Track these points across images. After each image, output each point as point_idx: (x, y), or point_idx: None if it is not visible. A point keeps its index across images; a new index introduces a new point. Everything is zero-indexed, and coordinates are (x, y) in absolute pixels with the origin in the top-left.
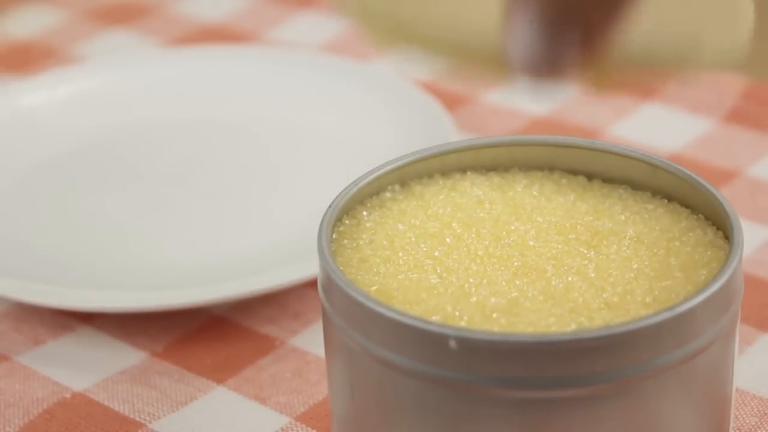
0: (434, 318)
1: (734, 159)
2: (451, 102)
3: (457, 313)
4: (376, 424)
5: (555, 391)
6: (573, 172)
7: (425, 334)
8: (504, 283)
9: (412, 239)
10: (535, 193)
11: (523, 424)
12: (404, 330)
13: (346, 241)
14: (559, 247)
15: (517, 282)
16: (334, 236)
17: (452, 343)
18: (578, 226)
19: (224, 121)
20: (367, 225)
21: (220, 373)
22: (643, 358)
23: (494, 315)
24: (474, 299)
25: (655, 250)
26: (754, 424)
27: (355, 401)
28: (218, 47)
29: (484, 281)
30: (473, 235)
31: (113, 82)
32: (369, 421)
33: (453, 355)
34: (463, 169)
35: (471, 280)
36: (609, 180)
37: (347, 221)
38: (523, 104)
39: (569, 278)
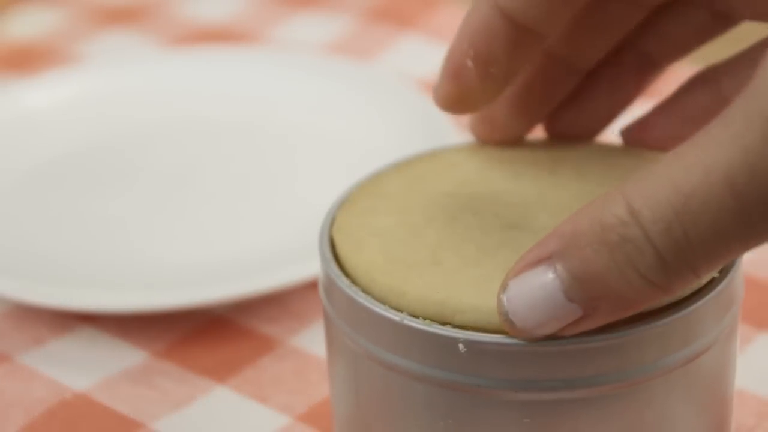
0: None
1: None
2: None
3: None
4: (382, 429)
5: (564, 393)
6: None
7: (433, 338)
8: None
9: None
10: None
11: (532, 426)
12: (411, 334)
13: None
14: None
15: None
16: None
17: (461, 347)
18: None
19: (224, 122)
20: None
21: (220, 373)
22: (650, 359)
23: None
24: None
25: None
26: (752, 424)
27: (360, 405)
28: (218, 47)
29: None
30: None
31: (114, 82)
32: (375, 426)
33: (461, 359)
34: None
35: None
36: None
37: None
38: None
39: None
